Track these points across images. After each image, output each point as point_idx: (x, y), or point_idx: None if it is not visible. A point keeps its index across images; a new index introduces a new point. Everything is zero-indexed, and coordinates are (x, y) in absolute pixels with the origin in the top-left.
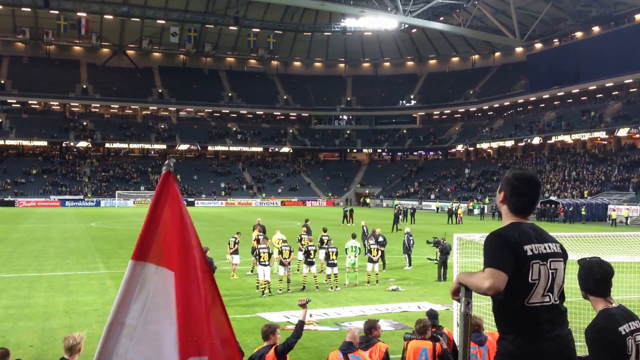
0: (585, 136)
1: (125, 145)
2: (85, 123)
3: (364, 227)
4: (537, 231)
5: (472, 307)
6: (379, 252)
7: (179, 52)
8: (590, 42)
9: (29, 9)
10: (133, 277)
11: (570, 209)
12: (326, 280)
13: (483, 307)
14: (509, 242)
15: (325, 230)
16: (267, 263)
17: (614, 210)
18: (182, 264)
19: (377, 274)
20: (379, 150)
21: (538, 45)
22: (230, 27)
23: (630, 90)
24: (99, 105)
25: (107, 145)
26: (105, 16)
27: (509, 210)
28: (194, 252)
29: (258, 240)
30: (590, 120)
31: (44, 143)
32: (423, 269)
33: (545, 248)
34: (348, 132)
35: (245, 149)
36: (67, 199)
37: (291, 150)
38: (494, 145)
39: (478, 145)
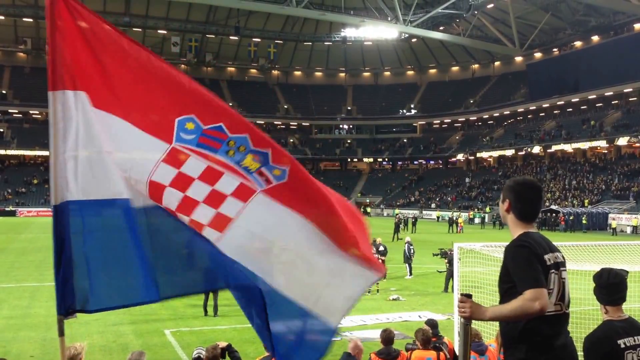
0: (586, 145)
1: None
2: None
3: None
4: (546, 240)
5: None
6: (380, 261)
7: (180, 62)
8: (590, 52)
9: (30, 20)
10: (54, 109)
11: (571, 218)
12: None
13: None
14: (536, 253)
15: None
16: None
17: (614, 219)
18: (94, 82)
19: (377, 284)
20: (380, 160)
21: (538, 55)
22: (231, 37)
23: (630, 99)
24: None
25: None
26: None
27: (516, 217)
28: (110, 68)
29: None
30: (590, 129)
31: (45, 153)
32: (424, 279)
33: (556, 257)
34: (349, 141)
35: None
36: None
37: None
38: (495, 154)
39: (478, 154)
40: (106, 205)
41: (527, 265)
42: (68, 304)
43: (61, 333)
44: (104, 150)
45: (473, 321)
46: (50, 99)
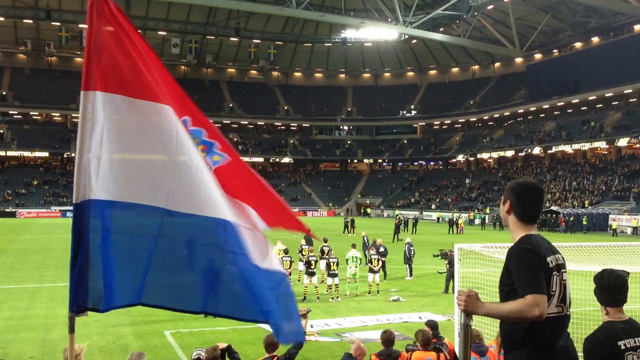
0: (586, 146)
1: None
2: None
3: (365, 238)
4: (547, 242)
5: (472, 318)
6: (380, 262)
7: (180, 63)
8: (590, 53)
9: (30, 21)
10: (85, 108)
11: (572, 219)
12: (327, 291)
13: (484, 317)
14: (539, 257)
15: (326, 241)
16: None
17: (614, 220)
18: (138, 89)
19: (378, 285)
20: (380, 161)
21: (538, 56)
22: (231, 38)
23: (630, 100)
24: None
25: None
26: None
27: (518, 219)
28: (146, 76)
29: None
30: (591, 130)
31: (45, 154)
32: (424, 280)
33: (557, 259)
34: (349, 142)
35: (246, 159)
36: (68, 210)
37: (292, 161)
38: (495, 155)
39: (478, 155)
40: (127, 208)
41: (530, 270)
42: (80, 301)
43: (71, 330)
44: (140, 155)
45: (473, 322)
46: (82, 98)
